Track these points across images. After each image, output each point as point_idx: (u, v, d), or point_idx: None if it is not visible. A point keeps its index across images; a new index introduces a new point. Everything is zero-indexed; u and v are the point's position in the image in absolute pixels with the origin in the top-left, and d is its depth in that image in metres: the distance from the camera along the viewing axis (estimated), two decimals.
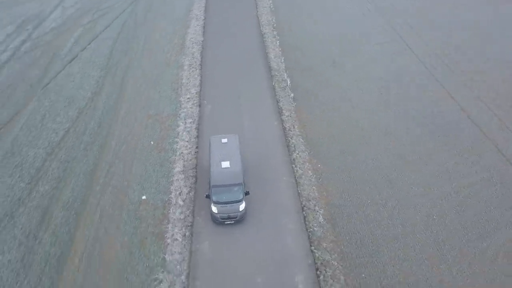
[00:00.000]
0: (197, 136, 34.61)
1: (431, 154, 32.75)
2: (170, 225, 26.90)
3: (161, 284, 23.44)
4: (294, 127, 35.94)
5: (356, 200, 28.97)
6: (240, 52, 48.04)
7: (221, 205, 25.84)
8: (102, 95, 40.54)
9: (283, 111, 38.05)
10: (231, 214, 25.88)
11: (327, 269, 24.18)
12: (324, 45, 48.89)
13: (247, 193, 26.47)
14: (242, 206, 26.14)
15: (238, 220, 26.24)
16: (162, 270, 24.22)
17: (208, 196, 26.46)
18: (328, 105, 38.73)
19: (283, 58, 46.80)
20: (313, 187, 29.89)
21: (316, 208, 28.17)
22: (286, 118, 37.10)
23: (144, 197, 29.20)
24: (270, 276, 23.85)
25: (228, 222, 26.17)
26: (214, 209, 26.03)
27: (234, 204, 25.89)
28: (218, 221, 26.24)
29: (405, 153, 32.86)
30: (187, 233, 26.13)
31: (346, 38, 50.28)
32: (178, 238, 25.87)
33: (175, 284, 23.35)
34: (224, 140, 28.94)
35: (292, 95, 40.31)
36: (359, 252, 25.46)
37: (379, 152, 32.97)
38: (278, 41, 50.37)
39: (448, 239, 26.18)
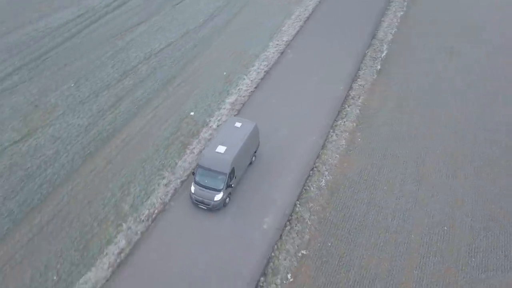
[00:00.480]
0: (262, 79, 36.66)
1: (495, 170, 28.64)
2: (196, 141, 30.60)
3: (162, 180, 27.66)
4: (358, 97, 35.01)
5: (372, 182, 27.98)
6: (355, 13, 46.59)
7: (200, 187, 24.81)
8: (210, 24, 45.05)
9: (358, 79, 37.08)
10: (205, 200, 24.63)
11: (298, 224, 24.98)
12: (453, 29, 43.81)
13: (230, 186, 24.83)
14: (218, 197, 24.46)
15: (211, 209, 24.85)
16: (170, 170, 28.34)
17: (193, 174, 25.68)
18: (413, 89, 36.05)
19: (395, 30, 44.04)
20: (337, 155, 29.70)
21: (326, 173, 28.29)
22: (357, 87, 36.22)
23: (192, 113, 33.31)
24: (244, 208, 25.81)
25: (201, 206, 25.03)
26: (192, 188, 25.15)
27: (212, 191, 24.44)
28: (193, 202, 25.28)
29: (464, 160, 29.46)
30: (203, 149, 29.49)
31: (483, 27, 44.07)
32: (195, 152, 29.47)
33: (170, 184, 27.32)
34: (238, 125, 26.91)
35: (378, 67, 38.60)
36: (341, 225, 25.28)
37: (432, 149, 30.23)
38: (402, 12, 47.15)
39: (443, 253, 23.89)
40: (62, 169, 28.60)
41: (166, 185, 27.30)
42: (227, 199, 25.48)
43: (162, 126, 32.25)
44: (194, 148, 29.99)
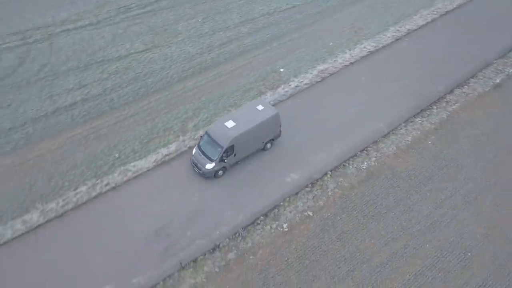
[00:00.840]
0: (363, 57, 36.52)
1: None
2: (271, 93, 33.11)
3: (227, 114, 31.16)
4: (453, 103, 32.60)
5: (417, 184, 26.85)
6: (507, 20, 41.08)
7: (199, 152, 25.92)
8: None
9: (465, 86, 34.19)
10: (198, 165, 25.70)
11: (319, 190, 26.03)
12: None
13: (223, 160, 25.40)
14: (209, 166, 25.34)
15: (201, 175, 25.87)
16: (236, 109, 31.63)
17: (201, 138, 26.71)
18: None
19: None
20: (394, 147, 28.98)
21: (373, 158, 28.08)
22: (459, 93, 33.60)
23: (281, 70, 35.72)
24: (278, 158, 27.74)
25: (195, 169, 26.18)
26: (193, 150, 26.59)
27: (206, 159, 25.40)
28: (191, 163, 26.56)
29: None
30: (272, 103, 31.91)
31: None
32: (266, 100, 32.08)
33: None
34: (260, 108, 26.79)
35: (497, 81, 34.75)
36: (360, 208, 25.40)
37: (508, 179, 27.05)
38: None
39: (449, 274, 22.44)
40: (159, 82, 34.41)
41: None
42: (220, 172, 26.03)
43: (251, 72, 35.46)
44: (266, 98, 32.52)
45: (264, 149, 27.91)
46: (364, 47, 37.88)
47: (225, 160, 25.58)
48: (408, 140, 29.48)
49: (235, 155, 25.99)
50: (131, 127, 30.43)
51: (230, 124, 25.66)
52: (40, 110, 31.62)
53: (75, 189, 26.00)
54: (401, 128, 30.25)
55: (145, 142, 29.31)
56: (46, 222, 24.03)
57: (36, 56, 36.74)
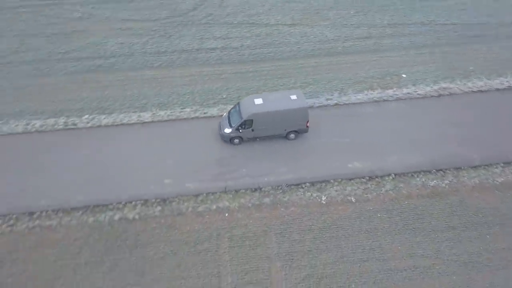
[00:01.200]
0: (497, 89, 33.79)
1: None
2: (378, 91, 33.69)
3: (330, 96, 33.29)
4: None
5: (479, 223, 24.97)
6: None
7: (227, 116, 28.91)
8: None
9: None
10: (221, 127, 28.65)
11: (373, 186, 26.69)
12: None
13: (238, 130, 27.74)
14: (226, 130, 28.04)
15: (221, 136, 28.74)
16: (339, 95, 33.53)
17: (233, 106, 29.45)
18: None
19: None
20: (477, 181, 27.13)
21: (447, 181, 27.00)
22: None
23: (404, 75, 35.78)
24: (353, 144, 28.93)
25: (219, 130, 28.97)
26: (224, 114, 29.96)
27: (227, 124, 28.22)
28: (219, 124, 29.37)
29: None
30: (376, 99, 32.77)
31: None
32: (368, 96, 33.18)
33: (332, 100, 32.75)
34: (293, 97, 27.87)
35: None
36: (403, 218, 25.11)
37: None
38: None
39: None
40: (287, 53, 38.35)
41: (327, 99, 32.93)
42: (236, 140, 28.48)
43: (373, 69, 36.45)
44: (371, 94, 33.44)
45: (287, 138, 29.14)
46: (507, 80, 34.79)
47: (241, 131, 27.87)
48: (497, 181, 27.09)
49: (252, 130, 27.96)
50: (246, 80, 35.25)
51: (258, 101, 27.76)
52: (189, 45, 38.98)
53: (182, 108, 32.21)
54: (496, 167, 27.83)
55: (249, 94, 33.73)
56: (152, 122, 30.75)
57: (207, 6, 44.59)
